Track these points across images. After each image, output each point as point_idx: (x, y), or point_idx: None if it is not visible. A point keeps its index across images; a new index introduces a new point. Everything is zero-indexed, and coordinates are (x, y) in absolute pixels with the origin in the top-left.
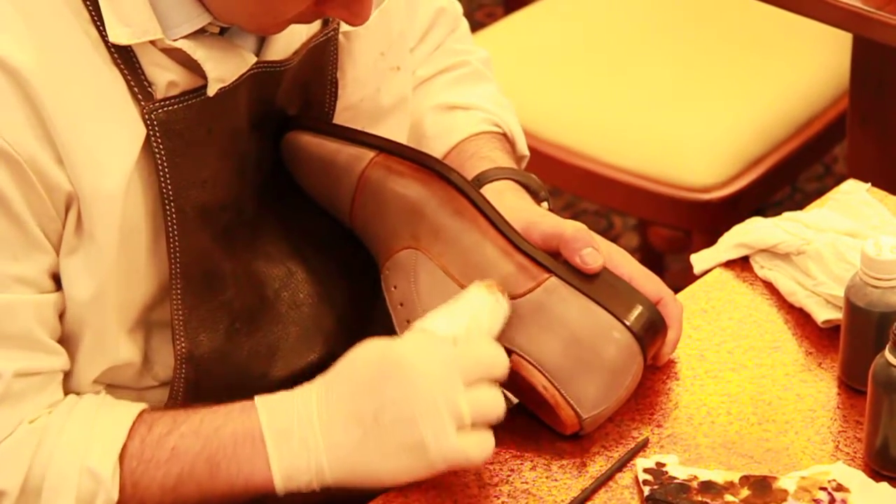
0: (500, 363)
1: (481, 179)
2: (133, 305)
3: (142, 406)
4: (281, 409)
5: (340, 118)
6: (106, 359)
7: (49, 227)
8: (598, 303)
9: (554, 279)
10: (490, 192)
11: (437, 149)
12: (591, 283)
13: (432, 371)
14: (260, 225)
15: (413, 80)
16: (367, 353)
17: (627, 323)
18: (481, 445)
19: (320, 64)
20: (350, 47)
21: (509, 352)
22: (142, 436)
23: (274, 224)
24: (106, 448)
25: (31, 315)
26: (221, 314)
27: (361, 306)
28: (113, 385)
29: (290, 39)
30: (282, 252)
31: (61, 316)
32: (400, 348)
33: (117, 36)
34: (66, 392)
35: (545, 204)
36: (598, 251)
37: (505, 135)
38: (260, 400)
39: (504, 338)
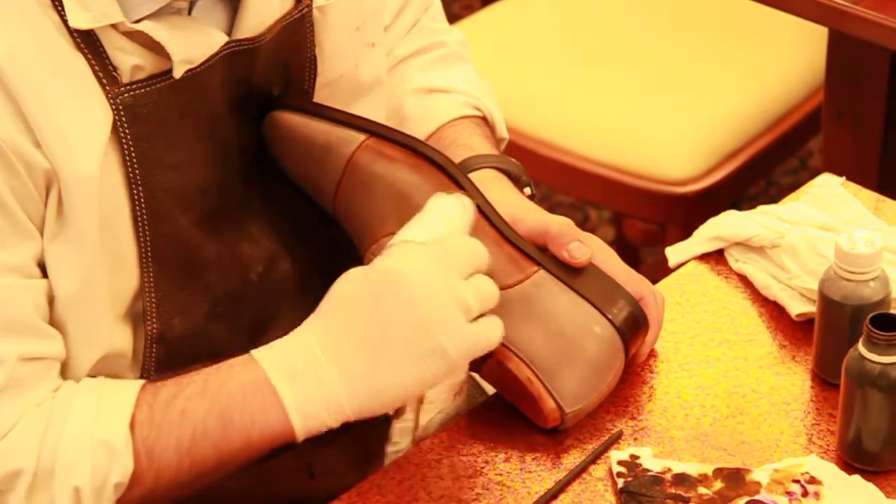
0: (483, 253)
1: (464, 167)
2: (123, 293)
3: (142, 381)
4: (282, 353)
5: (320, 95)
6: (98, 350)
7: (32, 209)
8: (584, 297)
9: (542, 272)
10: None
11: (417, 132)
12: (578, 277)
13: (426, 273)
14: (246, 208)
15: (390, 59)
16: (353, 279)
17: (613, 319)
18: (494, 328)
19: (298, 43)
20: (325, 22)
21: None
22: (149, 403)
23: (259, 207)
24: (115, 419)
25: (28, 300)
26: (201, 299)
27: None
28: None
29: (263, 16)
30: (266, 235)
31: (50, 304)
32: (386, 263)
33: (77, 21)
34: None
35: (527, 190)
36: (586, 245)
37: (485, 118)
38: (257, 351)
39: None
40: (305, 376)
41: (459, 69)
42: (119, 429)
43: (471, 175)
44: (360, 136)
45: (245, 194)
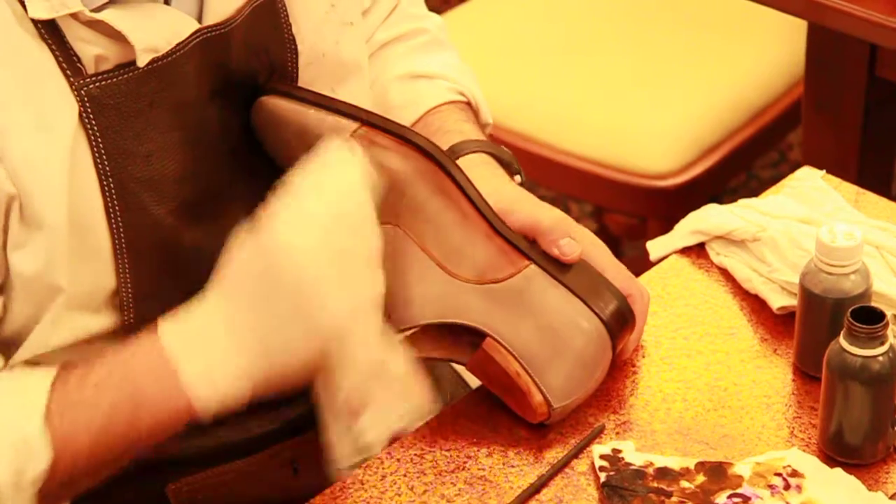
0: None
1: (454, 152)
2: (99, 285)
3: (55, 368)
4: (184, 329)
5: (304, 76)
6: (74, 340)
7: None
8: (574, 293)
9: (533, 266)
10: (463, 165)
11: (402, 119)
12: (568, 272)
13: (314, 255)
14: (234, 195)
15: (372, 44)
16: (248, 252)
17: (602, 316)
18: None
19: (274, 23)
20: (297, 1)
21: (483, 335)
22: (60, 390)
23: (249, 194)
24: (30, 412)
25: None
26: (180, 288)
27: None
28: None
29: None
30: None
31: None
32: (275, 238)
33: (36, 10)
34: None
35: (518, 177)
36: (576, 241)
37: (469, 103)
38: (162, 321)
39: (480, 321)
40: (203, 348)
41: (442, 55)
42: (34, 422)
43: (462, 159)
44: (352, 125)
45: (232, 182)
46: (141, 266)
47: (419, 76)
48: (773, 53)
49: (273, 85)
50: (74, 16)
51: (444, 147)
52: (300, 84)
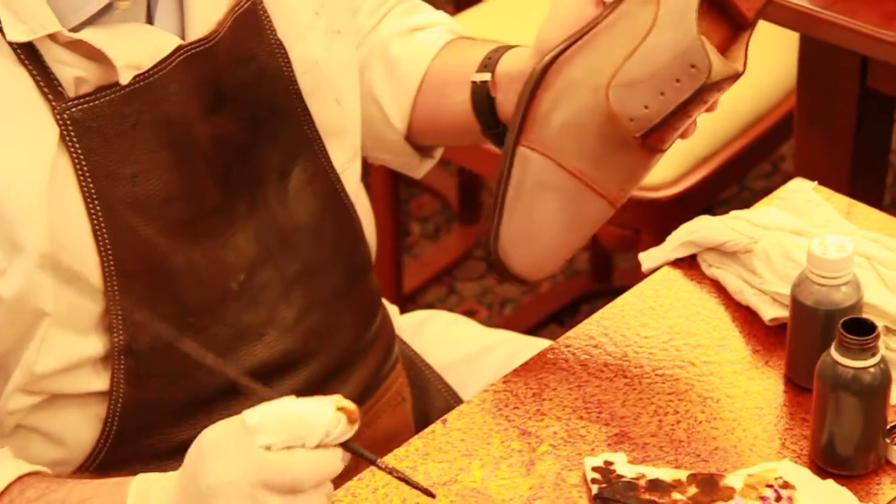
0: (312, 475)
1: (493, 57)
2: (88, 307)
3: (28, 468)
4: (152, 488)
5: (304, 84)
6: (63, 362)
7: None
8: None
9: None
10: (515, 54)
11: (413, 71)
12: None
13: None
14: (228, 213)
15: (367, 25)
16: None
17: None
18: None
19: (259, 30)
20: (279, 7)
21: None
22: (11, 497)
23: (245, 212)
24: None
25: None
26: (170, 309)
27: (322, 304)
28: (71, 394)
29: (209, 12)
30: (251, 242)
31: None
32: (205, 464)
33: (14, 34)
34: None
35: None
36: None
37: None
38: (134, 483)
39: None
40: None
41: (431, 10)
42: None
43: (509, 53)
44: None
45: (229, 199)
46: (131, 287)
47: (416, 28)
48: (766, 65)
49: (269, 90)
50: (53, 38)
51: (473, 68)
52: (303, 93)
